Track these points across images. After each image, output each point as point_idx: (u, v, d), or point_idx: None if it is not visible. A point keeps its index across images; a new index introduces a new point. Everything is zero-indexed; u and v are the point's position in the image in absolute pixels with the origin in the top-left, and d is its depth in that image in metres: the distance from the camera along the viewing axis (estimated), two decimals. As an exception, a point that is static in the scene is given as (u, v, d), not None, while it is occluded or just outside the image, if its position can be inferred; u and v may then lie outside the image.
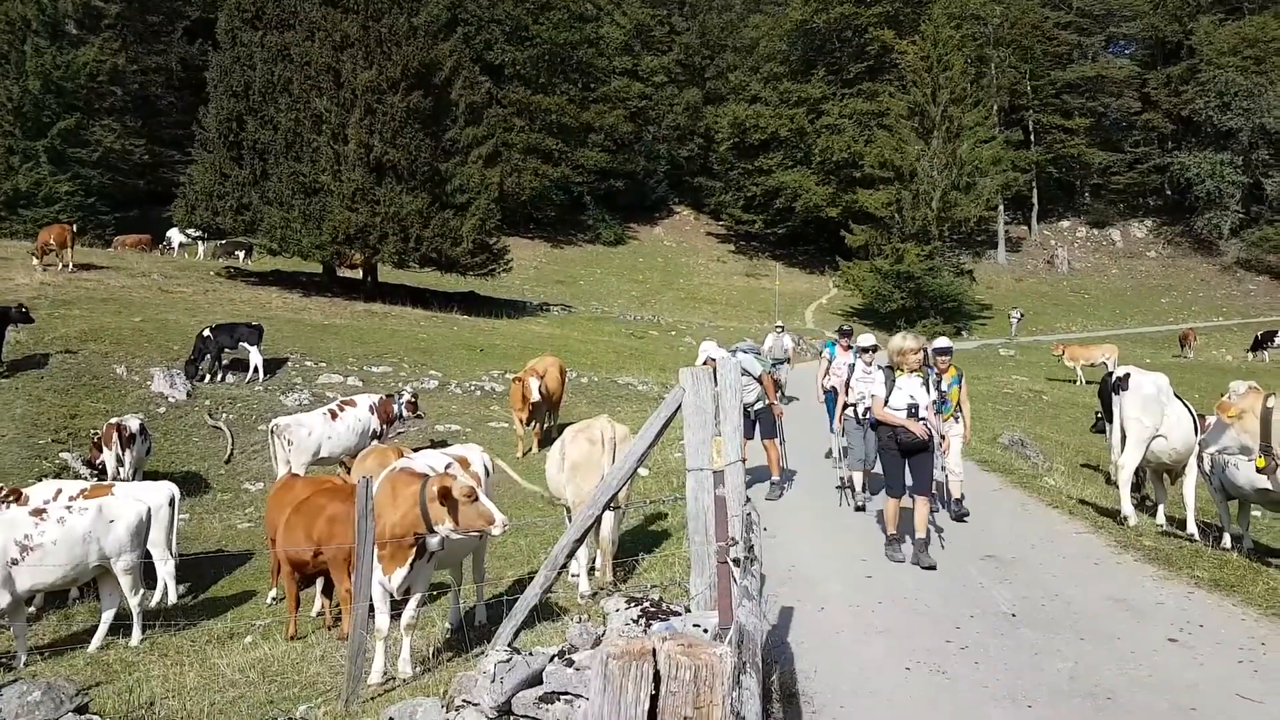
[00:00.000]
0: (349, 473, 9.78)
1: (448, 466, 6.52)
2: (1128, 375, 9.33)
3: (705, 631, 4.02)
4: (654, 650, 2.01)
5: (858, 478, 9.50)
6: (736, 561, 4.06)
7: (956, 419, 9.35)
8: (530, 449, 14.09)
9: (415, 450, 8.46)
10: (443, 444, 9.83)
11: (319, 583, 7.96)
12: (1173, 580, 6.97)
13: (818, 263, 54.05)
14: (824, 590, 6.75)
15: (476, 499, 5.76)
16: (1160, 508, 10.02)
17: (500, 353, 21.93)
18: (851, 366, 9.81)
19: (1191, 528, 9.11)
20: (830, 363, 12.29)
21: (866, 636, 5.78)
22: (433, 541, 5.89)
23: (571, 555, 5.53)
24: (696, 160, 58.74)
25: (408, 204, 27.71)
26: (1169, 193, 58.84)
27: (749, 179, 54.55)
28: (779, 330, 18.95)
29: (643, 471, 8.37)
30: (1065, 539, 8.36)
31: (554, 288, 42.69)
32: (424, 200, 28.29)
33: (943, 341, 9.50)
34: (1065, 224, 60.90)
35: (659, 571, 7.55)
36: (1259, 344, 35.19)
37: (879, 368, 8.43)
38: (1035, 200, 59.51)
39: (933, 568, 7.06)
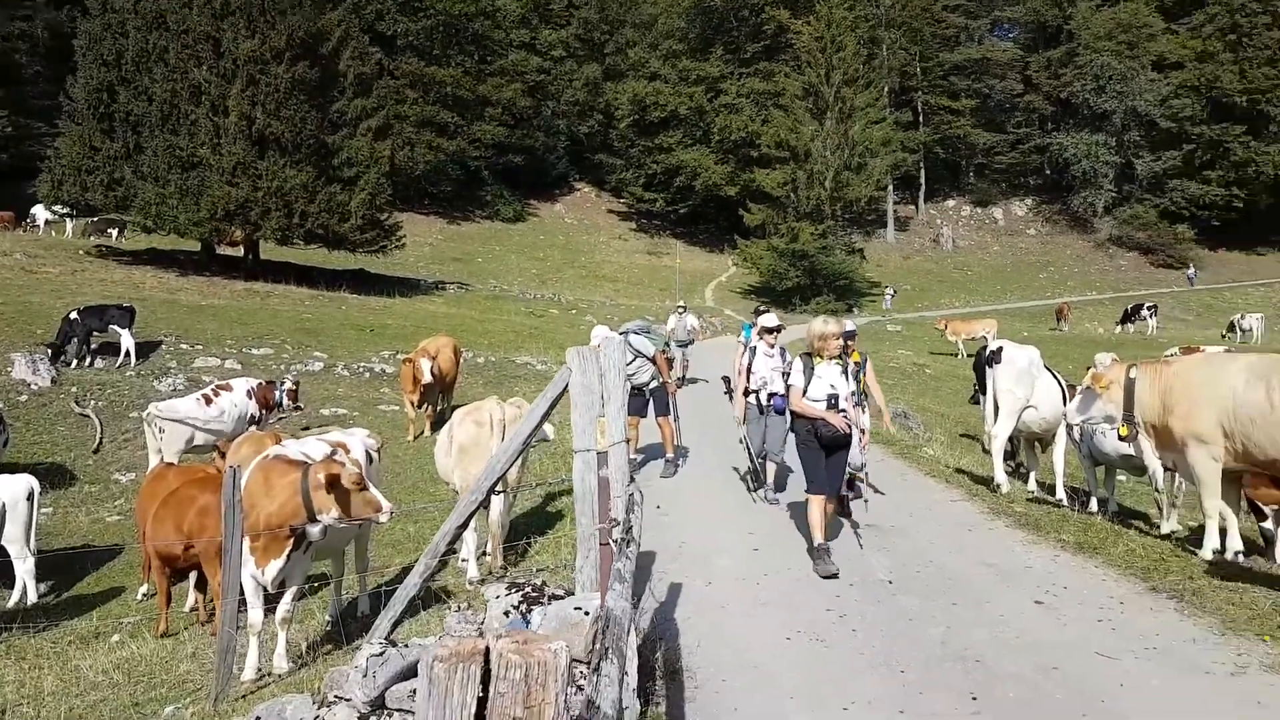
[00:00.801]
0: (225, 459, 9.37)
1: (332, 453, 6.30)
2: (1000, 349, 9.75)
3: (587, 614, 4.00)
4: (487, 649, 1.96)
5: (770, 469, 9.02)
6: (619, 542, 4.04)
7: (863, 407, 9.40)
8: (422, 432, 13.79)
9: (295, 437, 8.16)
10: (323, 430, 9.50)
11: (192, 577, 7.63)
12: (1040, 544, 7.31)
13: (718, 241, 54.62)
14: (712, 565, 6.83)
15: (365, 486, 5.64)
16: (1032, 475, 10.53)
17: (391, 333, 21.39)
18: (753, 349, 9.16)
19: (1060, 493, 9.60)
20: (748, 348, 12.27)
21: (751, 609, 5.86)
22: (313, 531, 5.71)
23: (454, 542, 5.43)
24: (597, 137, 58.38)
25: (292, 178, 26.66)
26: (1048, 172, 61.65)
27: (649, 157, 54.58)
28: (681, 310, 18.81)
29: (549, 432, 8.19)
30: (942, 507, 8.68)
31: (450, 265, 41.87)
32: (309, 174, 27.28)
33: (848, 324, 9.57)
34: (950, 203, 63.18)
35: (550, 554, 7.50)
36: (1127, 317, 37.37)
37: (793, 353, 8.29)
38: (923, 180, 61.50)
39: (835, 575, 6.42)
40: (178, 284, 24.04)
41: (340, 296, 26.93)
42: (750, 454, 9.16)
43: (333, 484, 5.49)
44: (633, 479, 4.70)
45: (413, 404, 13.80)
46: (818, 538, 6.57)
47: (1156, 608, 5.70)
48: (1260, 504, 7.71)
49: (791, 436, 7.79)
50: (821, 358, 6.77)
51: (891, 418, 11.14)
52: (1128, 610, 5.68)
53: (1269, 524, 7.82)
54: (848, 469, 6.94)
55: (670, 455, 10.27)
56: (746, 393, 9.08)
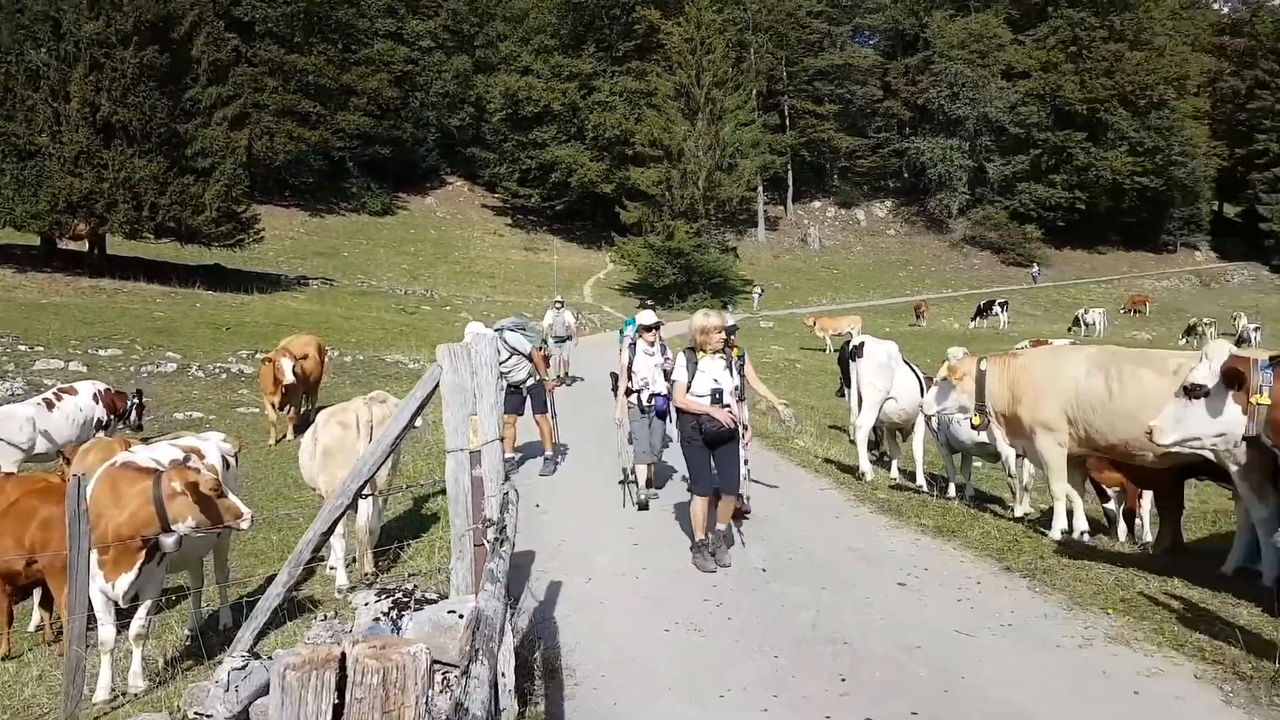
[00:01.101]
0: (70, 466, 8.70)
1: (185, 459, 5.94)
2: (863, 344, 10.16)
3: (461, 617, 3.91)
4: (343, 655, 1.90)
5: (642, 471, 8.62)
6: (493, 542, 3.96)
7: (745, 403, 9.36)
8: (284, 436, 13.20)
9: (145, 441, 7.66)
10: (175, 435, 8.92)
11: (36, 594, 7.04)
12: (903, 529, 7.64)
13: (595, 238, 54.64)
14: (592, 562, 6.82)
15: (223, 493, 5.38)
16: (894, 463, 11.00)
17: (250, 331, 20.42)
18: (633, 347, 8.88)
19: (920, 480, 10.07)
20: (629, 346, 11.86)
21: (631, 604, 5.89)
22: (168, 542, 5.38)
23: (319, 549, 5.21)
24: (469, 130, 57.31)
25: (141, 168, 25.09)
26: (906, 175, 64.49)
27: (524, 152, 54.01)
28: (559, 306, 18.30)
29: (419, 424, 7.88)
30: (812, 496, 8.96)
31: (314, 260, 40.30)
32: (160, 164, 25.75)
33: (729, 319, 9.51)
34: (817, 204, 65.31)
35: (424, 558, 7.32)
36: (980, 312, 39.64)
37: (674, 349, 8.24)
38: (790, 182, 63.32)
39: (728, 566, 6.48)
40: (15, 281, 22.30)
41: (194, 293, 25.52)
42: (629, 456, 8.79)
43: (190, 490, 5.20)
44: (508, 478, 4.62)
45: (274, 406, 13.17)
46: (699, 534, 6.54)
47: (1011, 586, 6.03)
48: (1104, 486, 8.30)
49: (674, 434, 7.70)
50: (704, 352, 6.60)
51: (765, 409, 11.39)
52: (984, 589, 5.99)
53: (1111, 505, 8.42)
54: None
55: (549, 453, 10.19)
56: (628, 392, 8.79)
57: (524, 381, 9.97)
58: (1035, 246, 58.96)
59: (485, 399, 4.18)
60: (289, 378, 12.69)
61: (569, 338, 17.76)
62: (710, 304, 41.81)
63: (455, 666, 3.09)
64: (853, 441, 11.07)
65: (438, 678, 3.83)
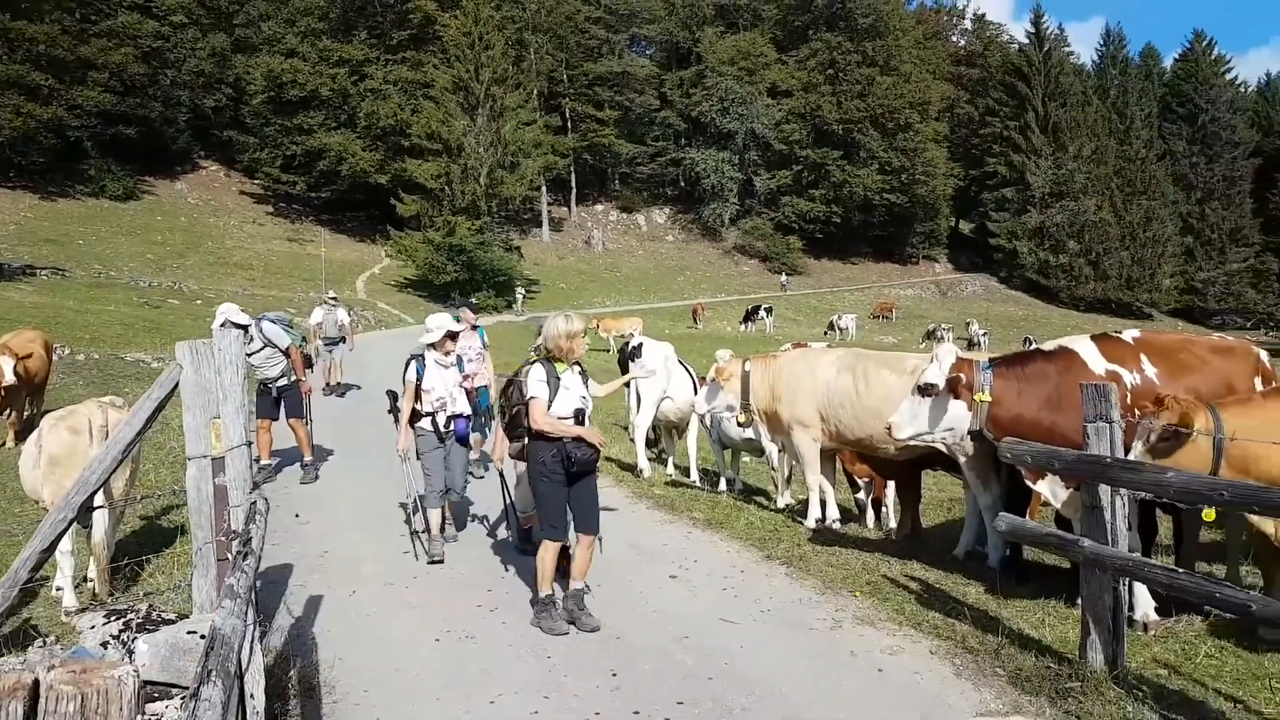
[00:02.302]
0: None
1: None
2: (640, 345, 10.41)
3: (203, 638, 3.56)
4: (37, 682, 1.68)
5: (435, 517, 6.98)
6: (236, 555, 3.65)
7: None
8: (3, 443, 11.63)
9: None
10: None
11: None
12: (675, 523, 7.88)
13: (369, 230, 52.35)
14: (357, 573, 6.51)
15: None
16: (670, 459, 11.34)
17: (-37, 326, 17.81)
18: (419, 358, 7.25)
19: (694, 475, 10.44)
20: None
21: (398, 614, 5.66)
22: None
23: (38, 568, 4.60)
24: (226, 112, 53.02)
25: None
26: (683, 184, 66.83)
27: (288, 137, 50.68)
28: (332, 303, 16.20)
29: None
30: (591, 495, 9.01)
31: (43, 247, 35.82)
32: None
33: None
34: (600, 207, 66.37)
35: (165, 575, 6.66)
36: (748, 317, 41.89)
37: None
38: (574, 184, 63.92)
39: (596, 629, 5.26)
40: None
41: (-112, 282, 21.99)
42: (419, 500, 7.14)
43: None
44: (256, 486, 4.27)
45: (-10, 410, 11.57)
46: (545, 589, 5.38)
47: (770, 574, 6.36)
48: (855, 477, 8.97)
49: (504, 465, 6.96)
50: (565, 363, 5.50)
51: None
52: (747, 578, 6.28)
53: (861, 494, 9.12)
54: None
55: (308, 459, 9.61)
56: (416, 417, 7.13)
57: (276, 380, 9.29)
58: (797, 256, 63.04)
59: (231, 400, 3.84)
60: (9, 379, 11.20)
61: (342, 339, 15.72)
62: (495, 303, 41.45)
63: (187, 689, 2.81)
64: (632, 440, 11.30)
65: (175, 702, 3.48)
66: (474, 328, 9.96)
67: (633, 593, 5.93)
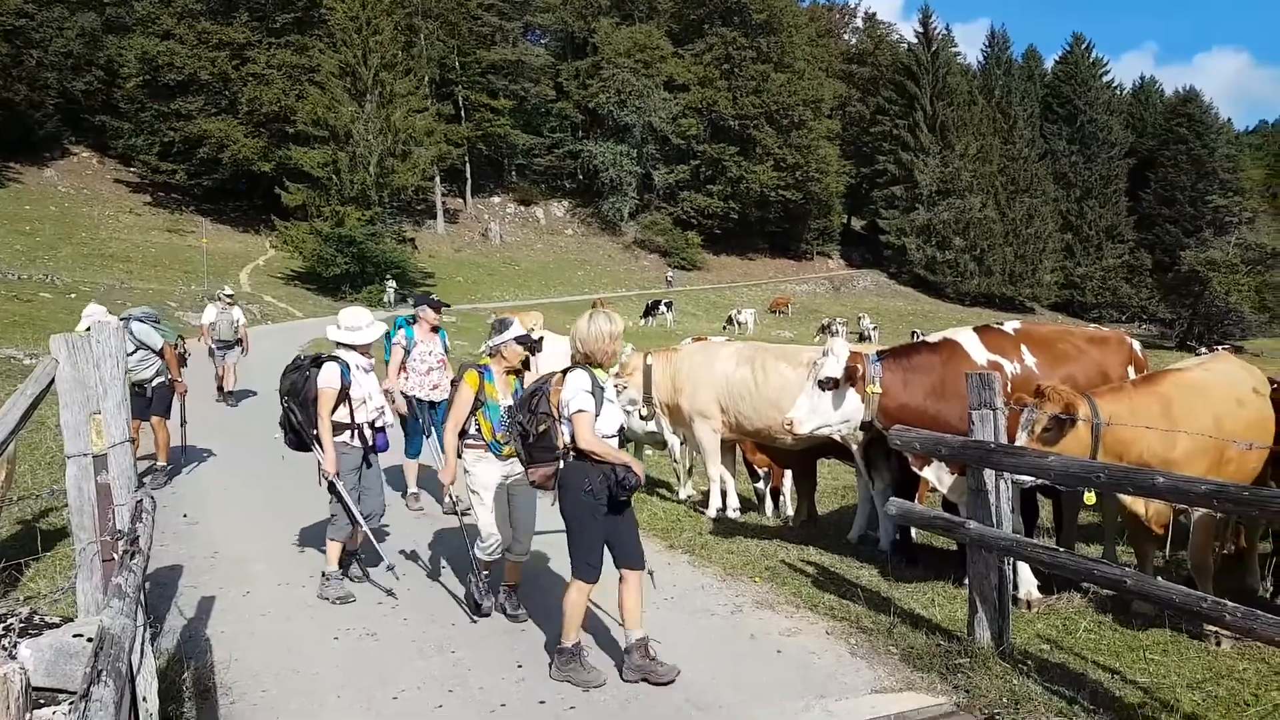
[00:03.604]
0: None
1: None
2: (542, 339, 10.32)
3: (90, 641, 3.41)
4: None
5: (336, 550, 5.88)
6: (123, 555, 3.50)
7: None
8: None
9: None
10: None
11: None
12: (578, 516, 7.87)
13: (252, 220, 50.26)
14: (251, 572, 6.32)
15: None
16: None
17: None
18: (340, 360, 5.90)
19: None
20: (408, 353, 8.24)
21: (296, 613, 5.52)
22: None
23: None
24: (98, 96, 50.04)
25: None
26: (581, 177, 66.54)
27: (165, 123, 48.14)
28: (227, 301, 14.62)
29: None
30: (492, 490, 8.93)
31: (-108, 237, 33.26)
32: None
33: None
34: (497, 199, 65.50)
35: (48, 579, 6.32)
36: (649, 311, 42.15)
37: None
38: (469, 175, 62.78)
39: (673, 681, 4.44)
40: None
41: None
42: (355, 522, 5.84)
43: None
44: (142, 483, 4.10)
45: None
46: (572, 636, 4.53)
47: (674, 562, 6.47)
48: (755, 467, 9.17)
49: (527, 495, 5.61)
50: (604, 370, 4.58)
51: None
52: (652, 567, 6.35)
53: (761, 484, 9.32)
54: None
55: (163, 463, 9.13)
56: (340, 428, 5.86)
57: (150, 380, 8.80)
58: (696, 252, 63.70)
59: (111, 396, 3.67)
60: None
61: (238, 342, 14.25)
62: (391, 296, 40.37)
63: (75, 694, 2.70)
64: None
65: (63, 708, 3.32)
66: (434, 329, 8.48)
67: (540, 587, 5.93)
